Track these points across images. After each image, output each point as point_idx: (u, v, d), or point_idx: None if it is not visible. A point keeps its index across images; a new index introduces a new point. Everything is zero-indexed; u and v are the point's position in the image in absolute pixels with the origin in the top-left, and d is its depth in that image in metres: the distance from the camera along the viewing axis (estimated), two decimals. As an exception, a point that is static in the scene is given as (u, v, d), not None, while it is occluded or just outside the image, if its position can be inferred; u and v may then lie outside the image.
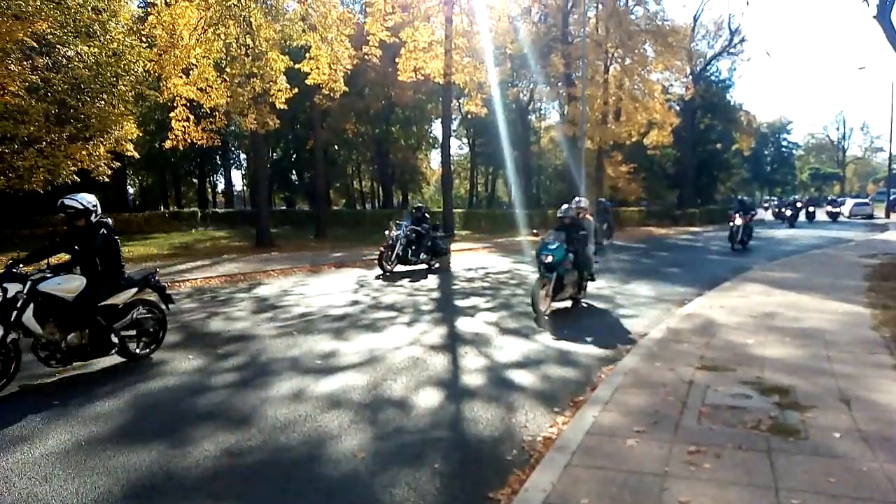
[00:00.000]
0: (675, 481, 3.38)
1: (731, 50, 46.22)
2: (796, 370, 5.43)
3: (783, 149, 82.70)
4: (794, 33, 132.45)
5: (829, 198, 54.00)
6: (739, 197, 29.57)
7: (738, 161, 57.64)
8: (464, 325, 8.27)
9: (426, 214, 15.73)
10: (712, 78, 50.37)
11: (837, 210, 42.29)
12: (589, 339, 7.29)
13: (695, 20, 43.75)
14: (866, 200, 50.69)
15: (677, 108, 41.95)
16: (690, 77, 41.41)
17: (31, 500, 3.38)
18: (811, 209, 38.52)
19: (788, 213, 34.76)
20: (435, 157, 54.37)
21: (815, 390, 4.87)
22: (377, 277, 13.33)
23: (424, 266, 14.97)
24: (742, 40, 45.79)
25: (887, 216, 43.47)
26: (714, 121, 50.81)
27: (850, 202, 47.66)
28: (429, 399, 5.14)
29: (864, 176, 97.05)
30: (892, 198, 46.50)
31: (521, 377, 5.79)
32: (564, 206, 9.58)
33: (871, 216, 43.66)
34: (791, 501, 3.13)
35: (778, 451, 3.72)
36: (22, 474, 3.71)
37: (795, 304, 8.81)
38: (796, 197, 46.71)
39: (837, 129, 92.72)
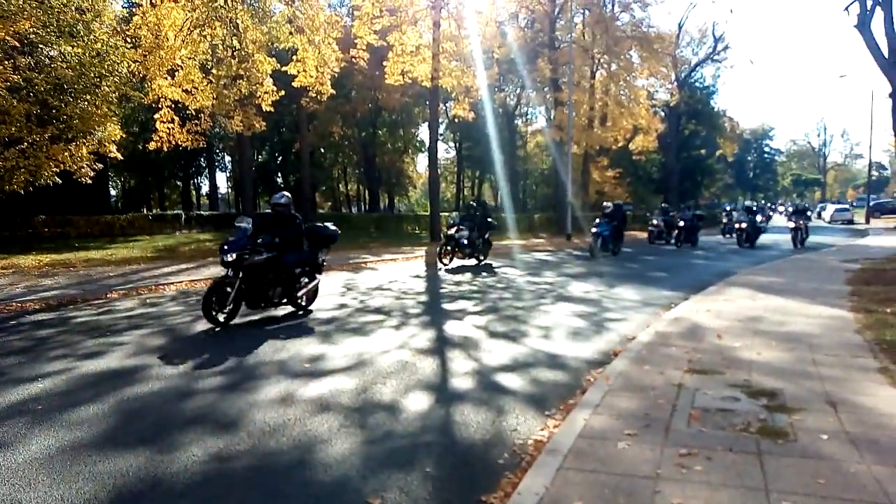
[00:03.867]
0: (667, 484, 3.39)
1: (715, 57, 46.97)
2: (783, 373, 5.49)
3: (766, 155, 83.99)
4: (776, 41, 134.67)
5: (794, 202, 37.48)
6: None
7: (721, 167, 58.48)
8: (452, 328, 8.25)
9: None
10: (697, 84, 51.06)
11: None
12: (577, 343, 7.32)
13: (679, 27, 44.38)
14: (846, 206, 51.54)
15: (662, 113, 42.44)
16: (675, 83, 41.94)
17: (14, 507, 3.31)
18: (682, 223, 23.77)
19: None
20: (422, 160, 54.58)
21: (803, 393, 4.92)
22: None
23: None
24: (726, 48, 46.66)
25: (867, 221, 44.21)
26: (698, 127, 51.47)
27: (830, 207, 48.35)
28: (418, 403, 5.12)
29: (844, 182, 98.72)
30: (871, 204, 47.32)
31: (511, 381, 5.78)
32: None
33: (851, 221, 44.41)
34: (782, 503, 3.15)
35: (768, 454, 3.75)
36: (5, 480, 3.62)
37: (780, 309, 8.91)
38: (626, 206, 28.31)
39: (819, 135, 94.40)
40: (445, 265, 15.90)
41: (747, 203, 24.27)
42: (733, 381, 5.24)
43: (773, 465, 3.60)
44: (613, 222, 19.36)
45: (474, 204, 18.17)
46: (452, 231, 16.16)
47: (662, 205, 28.43)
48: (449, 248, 16.16)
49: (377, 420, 4.70)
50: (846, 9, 15.00)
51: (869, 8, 14.43)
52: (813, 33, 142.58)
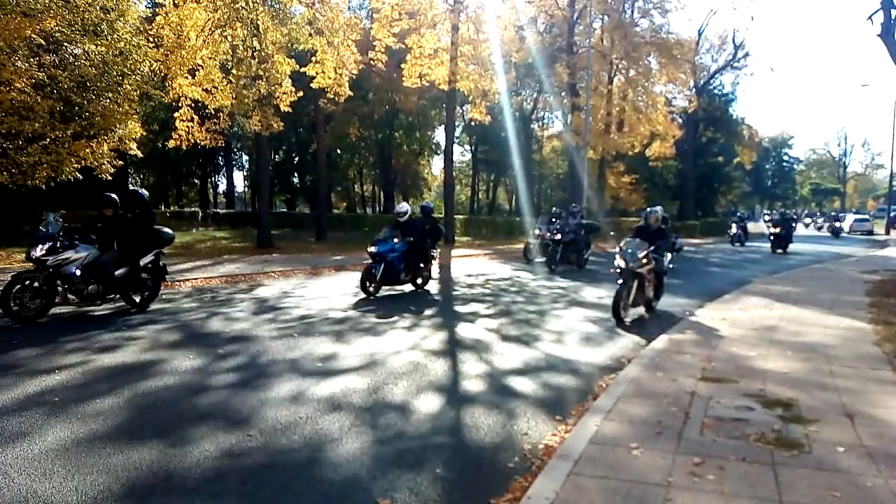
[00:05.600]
0: (679, 492, 3.36)
1: (735, 64, 46.51)
2: (799, 384, 5.42)
3: (784, 163, 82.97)
4: (798, 49, 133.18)
5: (766, 212, 38.49)
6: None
7: (739, 174, 57.86)
8: (464, 330, 8.25)
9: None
10: (715, 91, 50.59)
11: (838, 224, 41.51)
12: (589, 348, 7.28)
13: (699, 34, 44.00)
14: (866, 216, 50.83)
15: (680, 120, 42.12)
16: (694, 90, 41.57)
17: (30, 497, 3.36)
18: (559, 236, 16.37)
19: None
20: (437, 163, 54.61)
21: (818, 405, 4.85)
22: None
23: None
24: (746, 55, 46.09)
25: (887, 233, 43.57)
26: (716, 134, 51.00)
27: (850, 217, 47.70)
28: (429, 404, 5.12)
29: (864, 192, 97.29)
30: (892, 214, 46.58)
31: (522, 384, 5.77)
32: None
33: (870, 232, 43.77)
34: (795, 515, 3.11)
35: (782, 465, 3.70)
36: (21, 470, 3.68)
37: (797, 318, 8.80)
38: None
39: (839, 144, 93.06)
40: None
41: (649, 210, 17.78)
42: (747, 391, 5.19)
43: (787, 476, 3.56)
44: (409, 237, 11.82)
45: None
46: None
47: (553, 208, 20.80)
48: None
49: (388, 420, 4.71)
50: (870, 17, 14.77)
51: (893, 17, 14.21)
52: (835, 41, 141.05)
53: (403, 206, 12.53)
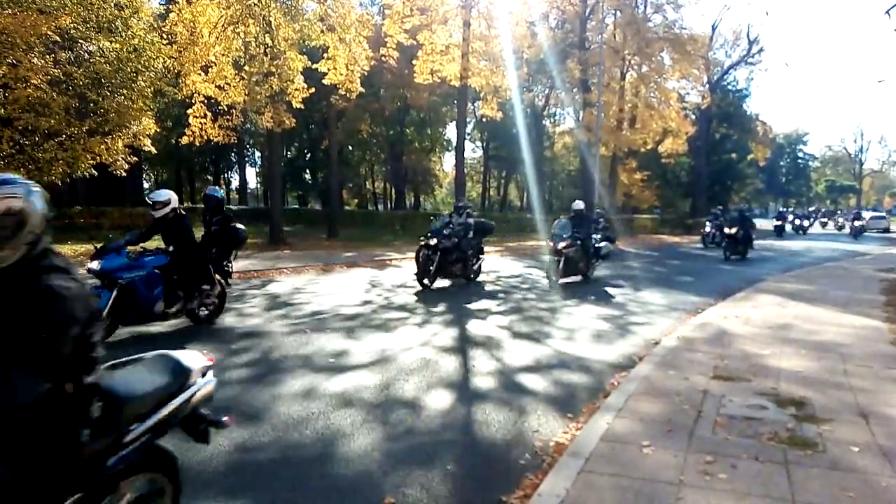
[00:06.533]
0: (691, 491, 3.35)
1: (749, 60, 46.03)
2: (813, 383, 5.37)
3: (799, 160, 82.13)
4: (813, 44, 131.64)
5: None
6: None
7: (752, 171, 57.25)
8: (475, 327, 8.25)
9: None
10: (729, 87, 50.12)
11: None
12: (601, 346, 7.26)
13: (713, 29, 43.55)
14: (882, 214, 50.17)
15: (693, 116, 41.72)
16: (707, 86, 41.19)
17: (47, 488, 3.40)
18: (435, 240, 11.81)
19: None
20: (448, 159, 54.58)
21: (832, 404, 4.81)
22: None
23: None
24: (760, 50, 45.61)
25: (904, 230, 42.95)
26: (729, 130, 50.51)
27: (866, 215, 47.08)
28: (440, 400, 5.14)
29: (880, 189, 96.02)
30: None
31: (533, 381, 5.77)
32: None
33: (887, 230, 43.22)
34: (808, 515, 3.09)
35: (795, 464, 3.68)
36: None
37: (811, 317, 8.72)
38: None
39: (855, 141, 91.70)
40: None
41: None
42: (760, 389, 5.15)
43: (801, 475, 3.54)
44: (171, 245, 7.60)
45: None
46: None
47: (459, 204, 13.85)
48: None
49: (399, 416, 4.73)
50: (887, 12, 14.58)
51: (912, 11, 13.99)
52: (851, 36, 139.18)
53: (162, 194, 7.61)
